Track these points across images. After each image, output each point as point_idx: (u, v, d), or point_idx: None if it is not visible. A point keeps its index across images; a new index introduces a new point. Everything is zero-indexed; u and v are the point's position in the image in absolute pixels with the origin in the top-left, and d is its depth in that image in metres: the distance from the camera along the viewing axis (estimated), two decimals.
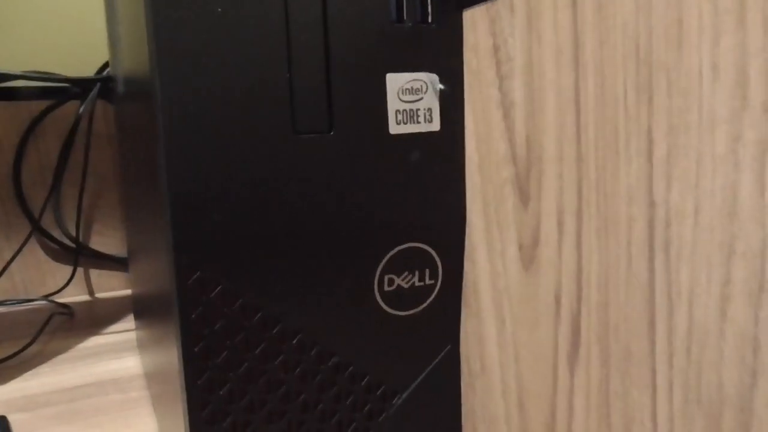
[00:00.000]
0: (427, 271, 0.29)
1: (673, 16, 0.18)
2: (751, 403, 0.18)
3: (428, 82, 0.27)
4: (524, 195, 0.25)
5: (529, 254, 0.25)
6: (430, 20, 0.27)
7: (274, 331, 0.26)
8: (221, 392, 0.25)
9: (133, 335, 0.62)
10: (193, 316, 0.24)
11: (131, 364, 0.54)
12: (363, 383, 0.28)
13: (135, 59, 0.29)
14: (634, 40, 0.20)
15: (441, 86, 0.28)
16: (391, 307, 0.28)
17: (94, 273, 0.77)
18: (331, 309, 0.27)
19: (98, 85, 0.68)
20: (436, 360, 0.30)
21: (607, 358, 0.22)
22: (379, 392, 0.29)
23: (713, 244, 0.18)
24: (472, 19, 0.27)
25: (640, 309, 0.21)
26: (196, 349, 0.25)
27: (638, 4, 0.19)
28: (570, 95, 0.23)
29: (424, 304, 0.29)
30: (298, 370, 0.27)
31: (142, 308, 0.44)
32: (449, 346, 0.30)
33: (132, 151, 0.38)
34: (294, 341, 0.26)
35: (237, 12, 0.24)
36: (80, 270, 0.76)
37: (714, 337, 0.18)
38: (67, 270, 0.75)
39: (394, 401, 0.29)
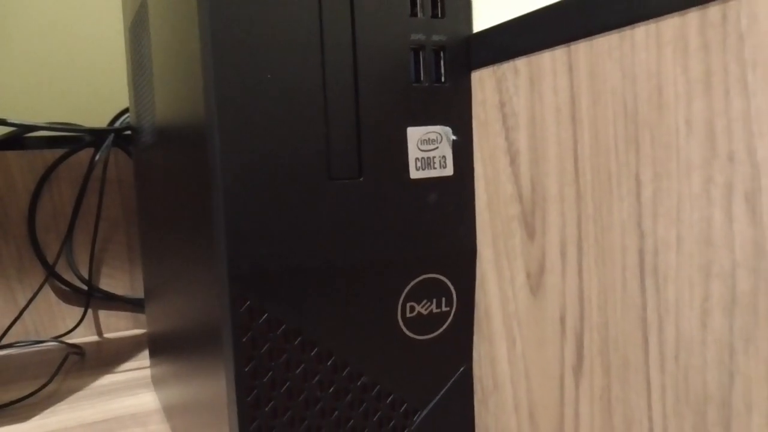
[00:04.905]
0: (444, 299, 0.32)
1: (653, 83, 0.23)
2: (730, 400, 0.21)
3: (443, 133, 0.31)
4: (530, 229, 0.29)
5: (536, 281, 0.29)
6: (443, 80, 0.31)
7: (312, 354, 0.29)
8: (266, 408, 0.29)
9: (144, 373, 0.64)
10: (243, 340, 0.28)
11: (147, 399, 0.56)
12: (388, 401, 0.32)
13: (181, 113, 0.33)
14: (622, 102, 0.24)
15: (454, 137, 0.32)
16: (412, 332, 0.32)
17: (102, 314, 0.79)
18: (360, 333, 0.30)
19: (112, 135, 0.71)
20: (452, 380, 0.33)
21: (608, 369, 0.26)
22: (402, 410, 0.32)
23: (693, 267, 0.22)
24: (480, 78, 0.31)
25: (635, 324, 0.24)
26: (246, 369, 0.28)
27: (624, 74, 0.24)
28: (569, 145, 0.27)
29: (441, 329, 0.32)
30: (332, 389, 0.30)
31: (165, 344, 0.47)
32: (464, 367, 0.33)
33: (163, 195, 0.41)
34: (329, 363, 0.30)
35: (283, 78, 0.28)
36: (88, 311, 0.79)
37: (697, 345, 0.22)
38: (77, 311, 0.78)
39: (415, 418, 0.32)
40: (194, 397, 0.36)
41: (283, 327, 0.29)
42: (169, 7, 0.33)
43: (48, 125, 0.65)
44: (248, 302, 0.28)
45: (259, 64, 0.28)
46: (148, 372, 0.64)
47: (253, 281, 0.28)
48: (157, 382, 0.55)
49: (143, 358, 0.69)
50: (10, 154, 0.73)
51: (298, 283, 0.29)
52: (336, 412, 0.30)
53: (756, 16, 0.19)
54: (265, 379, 0.28)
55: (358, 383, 0.31)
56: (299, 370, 0.29)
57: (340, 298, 0.30)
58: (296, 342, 0.29)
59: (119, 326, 0.80)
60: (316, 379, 0.30)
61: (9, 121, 0.61)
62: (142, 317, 0.81)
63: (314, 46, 0.29)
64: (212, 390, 0.31)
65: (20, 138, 0.72)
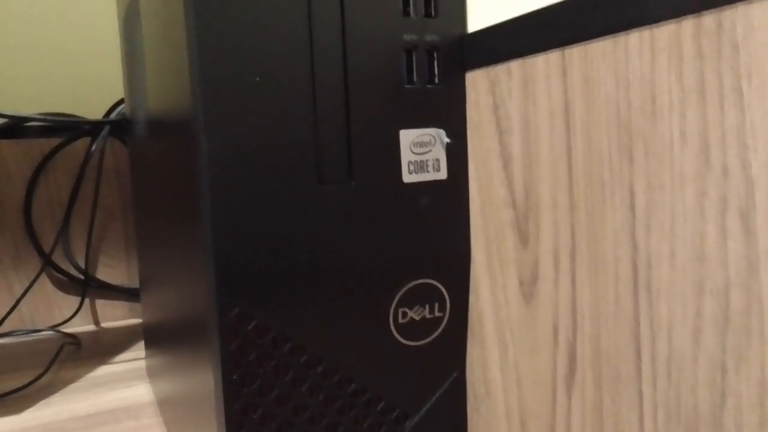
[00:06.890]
0: (436, 305, 0.32)
1: (647, 92, 0.22)
2: (722, 420, 0.21)
3: (436, 136, 0.31)
4: (523, 236, 0.29)
5: (529, 289, 0.28)
6: (437, 81, 0.31)
7: (301, 360, 0.29)
8: (255, 416, 0.28)
9: (140, 364, 0.64)
10: (232, 347, 0.27)
11: (141, 392, 0.56)
12: (379, 408, 0.31)
13: (171, 110, 0.32)
14: (615, 109, 0.23)
15: (447, 140, 0.31)
16: (404, 338, 0.31)
17: (99, 303, 0.79)
18: (351, 339, 0.30)
19: (108, 126, 0.71)
20: (444, 386, 0.33)
21: (600, 381, 0.25)
22: (393, 416, 0.32)
23: (686, 282, 0.21)
24: (473, 80, 0.31)
25: (628, 338, 0.24)
26: (234, 377, 0.27)
27: (618, 80, 0.23)
28: (562, 151, 0.26)
29: (434, 335, 0.32)
30: (322, 395, 0.30)
31: (158, 337, 0.47)
32: (456, 374, 0.33)
33: (156, 190, 0.41)
34: (318, 369, 0.29)
35: (271, 79, 0.27)
36: (85, 301, 0.78)
37: (689, 362, 0.22)
38: (73, 301, 0.77)
39: (406, 424, 0.32)
40: (184, 395, 0.36)
41: (271, 334, 0.28)
42: (159, 0, 0.33)
43: (43, 117, 0.64)
44: (237, 309, 0.27)
45: (246, 65, 0.27)
46: (143, 363, 0.64)
47: (242, 287, 0.27)
48: (151, 374, 0.55)
49: (139, 349, 0.69)
50: (6, 143, 0.72)
51: (288, 289, 0.28)
52: (325, 419, 0.30)
53: (752, 25, 0.19)
54: (253, 387, 0.28)
55: (349, 389, 0.30)
56: (288, 377, 0.29)
57: (331, 304, 0.29)
58: (285, 348, 0.29)
59: (116, 316, 0.80)
60: (306, 386, 0.29)
61: (2, 112, 0.60)
62: (139, 307, 0.81)
63: (303, 45, 0.28)
64: (201, 390, 0.31)
65: (15, 128, 0.72)
